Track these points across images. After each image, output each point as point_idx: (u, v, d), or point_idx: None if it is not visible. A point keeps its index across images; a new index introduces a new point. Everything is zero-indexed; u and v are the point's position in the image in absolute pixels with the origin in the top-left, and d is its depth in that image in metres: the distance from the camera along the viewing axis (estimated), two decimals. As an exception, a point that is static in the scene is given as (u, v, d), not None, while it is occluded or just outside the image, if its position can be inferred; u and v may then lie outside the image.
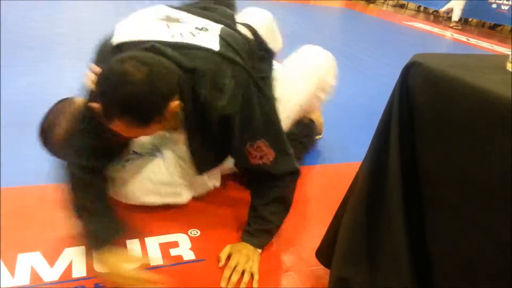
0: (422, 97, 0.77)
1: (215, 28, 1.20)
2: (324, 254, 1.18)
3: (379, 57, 4.37)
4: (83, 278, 1.12)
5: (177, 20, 1.20)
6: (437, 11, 8.28)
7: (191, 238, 1.33)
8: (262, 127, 1.21)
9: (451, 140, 0.73)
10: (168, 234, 1.34)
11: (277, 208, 1.30)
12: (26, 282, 1.09)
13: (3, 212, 1.33)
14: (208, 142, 1.23)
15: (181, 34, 1.14)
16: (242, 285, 1.16)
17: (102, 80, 1.00)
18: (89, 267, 1.14)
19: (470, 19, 7.99)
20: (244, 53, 1.21)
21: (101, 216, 1.15)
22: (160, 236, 1.32)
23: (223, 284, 1.15)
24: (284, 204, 1.32)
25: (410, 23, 7.16)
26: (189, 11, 1.28)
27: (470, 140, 0.69)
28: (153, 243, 1.29)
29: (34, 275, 1.11)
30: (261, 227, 1.29)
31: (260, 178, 1.28)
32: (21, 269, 1.12)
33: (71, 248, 1.21)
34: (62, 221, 1.19)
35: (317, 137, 2.05)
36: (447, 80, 0.73)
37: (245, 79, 1.15)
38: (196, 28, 1.17)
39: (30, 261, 1.16)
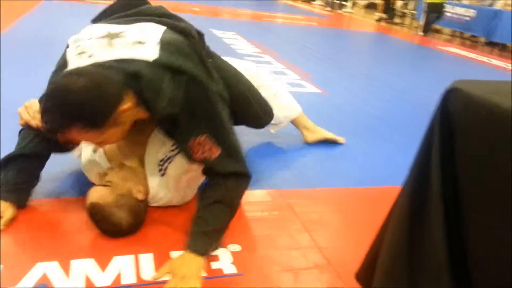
0: (462, 122, 0.81)
1: (155, 37, 1.26)
2: (364, 276, 1.19)
3: (413, 81, 4.37)
4: (133, 285, 1.19)
5: (117, 36, 1.26)
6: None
7: (232, 253, 1.37)
8: (207, 122, 1.28)
9: (492, 165, 0.76)
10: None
11: (218, 210, 1.31)
12: (81, 286, 1.17)
13: (56, 221, 1.44)
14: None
15: (121, 49, 1.21)
16: None
17: (46, 97, 1.11)
18: (138, 276, 1.22)
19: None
20: (187, 50, 1.28)
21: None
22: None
23: None
24: (228, 206, 1.33)
25: (446, 48, 7.11)
26: (129, 22, 1.35)
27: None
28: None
29: (88, 280, 1.19)
30: (201, 229, 1.28)
31: (207, 176, 1.38)
32: (76, 274, 1.21)
33: (120, 257, 1.29)
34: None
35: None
36: (487, 106, 0.76)
37: (185, 80, 1.22)
38: (134, 42, 1.23)
39: (85, 267, 1.24)
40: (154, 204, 1.50)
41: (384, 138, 2.57)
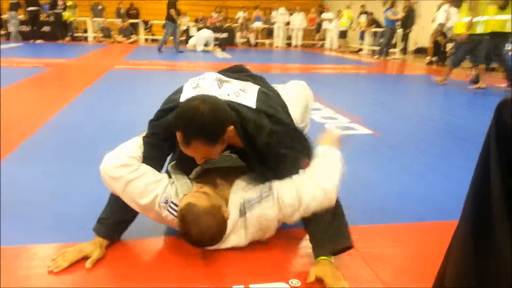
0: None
1: (254, 89, 1.58)
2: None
3: (470, 118, 4.24)
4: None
5: (226, 81, 1.58)
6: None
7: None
8: (303, 149, 1.55)
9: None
10: (269, 282, 1.40)
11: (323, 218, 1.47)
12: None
13: (140, 259, 1.52)
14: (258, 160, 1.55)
15: (228, 94, 1.50)
16: None
17: (180, 117, 1.35)
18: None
19: None
20: (277, 104, 1.60)
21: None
22: (263, 284, 1.39)
23: None
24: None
25: (503, 85, 6.85)
26: (234, 77, 1.65)
27: None
28: (257, 290, 1.36)
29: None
30: (318, 235, 1.47)
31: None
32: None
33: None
34: (173, 265, 1.32)
35: None
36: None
37: (279, 124, 1.49)
38: (240, 89, 1.54)
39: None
40: (221, 246, 1.52)
41: (443, 174, 2.50)
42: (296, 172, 1.52)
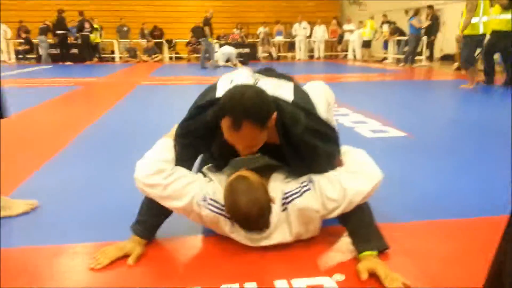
0: None
1: (289, 85, 1.59)
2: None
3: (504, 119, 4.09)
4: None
5: (261, 78, 1.60)
6: None
7: (337, 282, 1.33)
8: (334, 145, 1.54)
9: None
10: (312, 277, 1.36)
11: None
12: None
13: (167, 257, 1.51)
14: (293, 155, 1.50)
15: (265, 88, 1.45)
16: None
17: (228, 98, 1.33)
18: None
19: None
20: (307, 100, 1.61)
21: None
22: (306, 278, 1.35)
23: None
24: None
25: None
26: (265, 75, 1.67)
27: None
28: (300, 284, 1.32)
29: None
30: (358, 230, 1.45)
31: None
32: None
33: (227, 286, 1.31)
34: (216, 260, 1.30)
35: None
36: None
37: (314, 120, 1.48)
38: (275, 84, 1.55)
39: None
40: (266, 243, 1.49)
41: (478, 172, 2.41)
42: (332, 168, 1.49)
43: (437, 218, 1.81)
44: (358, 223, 1.46)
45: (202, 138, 1.53)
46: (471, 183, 2.25)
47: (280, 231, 1.48)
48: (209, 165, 1.64)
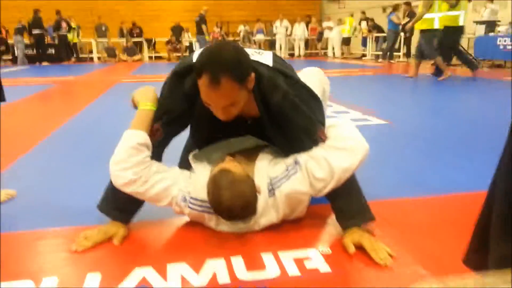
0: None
1: (269, 53, 1.55)
2: (472, 258, 1.11)
3: (480, 107, 4.19)
4: (228, 285, 1.18)
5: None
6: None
7: (323, 255, 1.33)
8: (318, 115, 1.47)
9: None
10: (298, 249, 1.36)
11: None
12: (179, 286, 1.18)
13: (147, 236, 1.48)
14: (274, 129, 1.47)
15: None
16: (390, 259, 1.28)
17: (205, 55, 1.28)
18: (233, 276, 1.21)
19: None
20: (288, 66, 1.56)
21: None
22: (292, 250, 1.35)
23: (381, 262, 1.26)
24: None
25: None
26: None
27: None
28: (286, 257, 1.31)
29: (184, 281, 1.20)
30: (342, 206, 1.43)
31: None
32: (173, 277, 1.22)
33: (212, 260, 1.29)
34: (202, 237, 1.29)
35: None
36: None
37: (295, 85, 1.44)
38: (255, 52, 1.51)
39: (179, 270, 1.25)
40: (253, 228, 1.47)
41: (458, 154, 2.46)
42: (315, 141, 1.43)
43: (421, 195, 1.83)
44: (343, 200, 1.43)
45: (180, 116, 1.49)
46: (451, 162, 2.30)
47: (267, 216, 1.46)
48: (193, 152, 1.60)
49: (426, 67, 7.58)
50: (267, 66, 1.44)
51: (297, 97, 1.41)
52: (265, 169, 1.47)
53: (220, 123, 1.40)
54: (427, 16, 6.53)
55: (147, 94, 1.54)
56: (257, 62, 1.42)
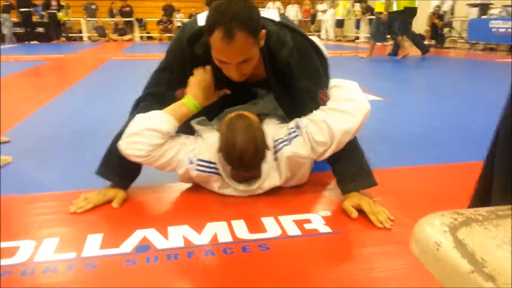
0: None
1: (274, 10, 1.54)
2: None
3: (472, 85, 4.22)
4: (230, 242, 1.19)
5: None
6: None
7: (323, 217, 1.35)
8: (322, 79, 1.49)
9: None
10: (299, 213, 1.37)
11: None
12: (181, 244, 1.18)
13: (149, 201, 1.49)
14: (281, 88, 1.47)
15: None
16: (389, 222, 1.30)
17: (216, 11, 1.23)
18: (234, 235, 1.22)
19: None
20: (293, 23, 1.55)
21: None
22: (293, 214, 1.36)
23: (380, 225, 1.28)
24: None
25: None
26: None
27: None
28: (287, 220, 1.33)
29: (186, 240, 1.20)
30: (343, 170, 1.44)
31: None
32: (174, 237, 1.22)
33: (213, 223, 1.30)
34: (204, 202, 1.29)
35: None
36: None
37: (301, 40, 1.43)
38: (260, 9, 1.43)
39: (181, 231, 1.26)
40: (257, 192, 1.48)
41: (452, 125, 2.49)
42: (316, 102, 1.44)
43: (420, 164, 1.86)
44: (343, 164, 1.44)
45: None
46: (447, 133, 2.36)
47: (269, 179, 1.47)
48: (199, 118, 1.59)
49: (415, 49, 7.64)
50: (274, 21, 1.42)
51: (303, 52, 1.41)
52: (272, 130, 1.49)
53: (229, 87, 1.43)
54: None
55: (203, 93, 1.45)
56: (265, 18, 1.39)
